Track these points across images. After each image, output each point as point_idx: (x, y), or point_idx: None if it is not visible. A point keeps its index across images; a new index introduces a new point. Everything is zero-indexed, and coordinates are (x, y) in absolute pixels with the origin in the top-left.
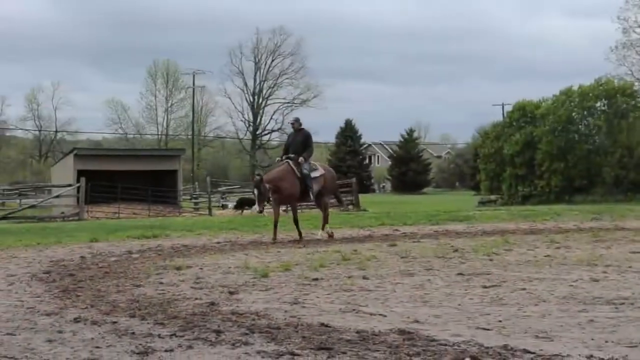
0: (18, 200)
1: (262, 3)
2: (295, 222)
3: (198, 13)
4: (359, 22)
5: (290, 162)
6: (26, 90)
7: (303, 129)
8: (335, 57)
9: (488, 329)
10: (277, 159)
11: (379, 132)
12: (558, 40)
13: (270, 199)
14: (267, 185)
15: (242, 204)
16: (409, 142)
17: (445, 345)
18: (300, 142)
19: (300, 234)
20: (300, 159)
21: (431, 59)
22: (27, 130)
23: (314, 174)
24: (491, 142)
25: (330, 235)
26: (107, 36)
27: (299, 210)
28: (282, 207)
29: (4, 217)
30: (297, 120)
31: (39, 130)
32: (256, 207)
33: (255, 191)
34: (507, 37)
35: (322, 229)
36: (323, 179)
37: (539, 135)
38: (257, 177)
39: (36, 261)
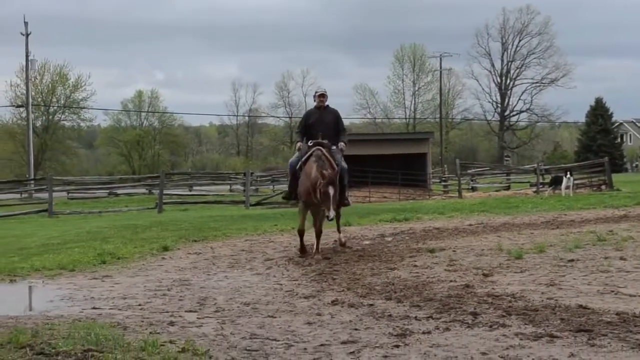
0: (271, 186)
1: None
2: (318, 234)
3: None
4: None
5: (323, 150)
6: (277, 78)
7: (329, 105)
8: (584, 34)
9: None
10: (298, 144)
11: (632, 109)
12: None
13: (300, 198)
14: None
15: (555, 182)
16: None
17: None
18: (331, 122)
19: (318, 248)
20: (341, 145)
21: None
22: (278, 117)
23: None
24: None
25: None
26: (355, 22)
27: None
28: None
29: (259, 203)
30: (324, 93)
31: (290, 117)
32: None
33: (331, 190)
34: None
35: (339, 230)
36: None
37: None
38: (331, 170)
39: (292, 245)
